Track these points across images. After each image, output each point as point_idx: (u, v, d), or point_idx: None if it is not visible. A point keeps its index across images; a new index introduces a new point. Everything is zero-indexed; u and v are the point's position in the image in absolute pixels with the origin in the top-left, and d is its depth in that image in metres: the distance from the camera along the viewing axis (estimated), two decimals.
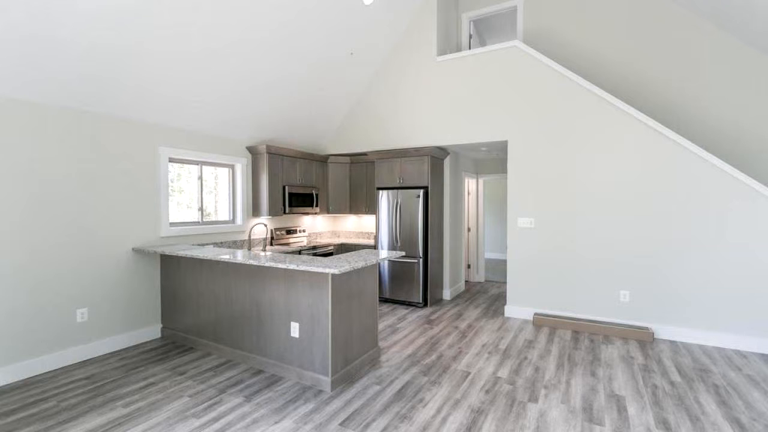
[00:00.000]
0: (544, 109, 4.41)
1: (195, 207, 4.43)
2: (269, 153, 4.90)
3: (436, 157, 5.20)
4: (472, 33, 5.84)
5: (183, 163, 4.28)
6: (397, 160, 5.24)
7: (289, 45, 4.13)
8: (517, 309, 4.61)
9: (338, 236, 6.51)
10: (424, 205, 5.01)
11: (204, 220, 4.51)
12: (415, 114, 5.22)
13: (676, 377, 3.03)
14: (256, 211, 4.99)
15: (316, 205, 5.67)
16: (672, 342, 3.80)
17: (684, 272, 3.80)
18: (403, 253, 3.46)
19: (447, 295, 5.53)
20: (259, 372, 3.11)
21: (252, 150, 4.93)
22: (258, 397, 2.70)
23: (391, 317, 4.63)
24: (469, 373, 3.10)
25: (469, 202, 6.71)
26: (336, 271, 2.52)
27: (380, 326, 4.29)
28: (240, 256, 3.17)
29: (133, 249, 3.71)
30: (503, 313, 4.78)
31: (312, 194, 5.59)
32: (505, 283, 6.64)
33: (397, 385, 2.89)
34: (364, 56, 5.09)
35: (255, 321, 3.21)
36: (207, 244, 4.43)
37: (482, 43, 6.73)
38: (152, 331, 3.88)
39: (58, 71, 2.96)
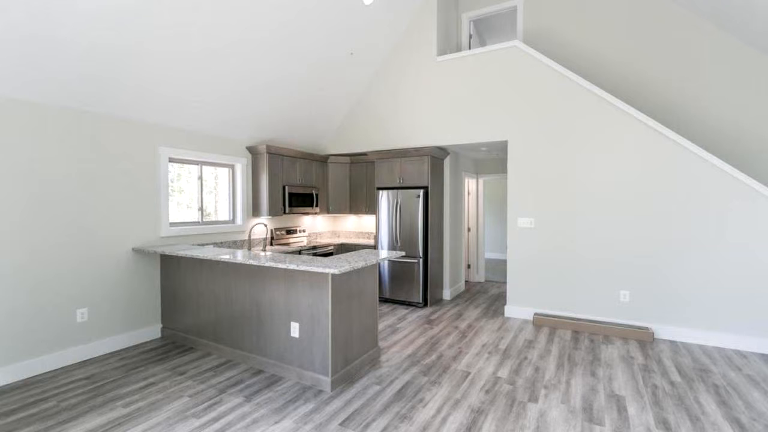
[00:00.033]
0: (544, 109, 4.41)
1: (195, 207, 4.43)
2: (269, 153, 4.90)
3: (436, 157, 5.20)
4: (472, 33, 5.84)
5: (183, 163, 4.28)
6: (397, 160, 5.24)
7: (289, 45, 4.13)
8: (517, 309, 4.61)
9: (338, 236, 6.51)
10: (424, 205, 5.01)
11: (204, 220, 4.51)
12: (415, 114, 5.22)
13: (676, 377, 3.03)
14: (256, 211, 4.99)
15: (316, 205, 5.67)
16: (672, 342, 3.80)
17: (684, 272, 3.80)
18: (403, 253, 3.46)
19: (447, 295, 5.53)
20: (259, 372, 3.11)
21: (252, 150, 4.93)
22: (258, 397, 2.70)
23: (391, 317, 4.63)
24: (469, 373, 3.10)
25: (469, 202, 6.71)
26: (336, 271, 2.52)
27: (380, 326, 4.29)
28: (240, 256, 3.17)
29: (133, 249, 3.71)
30: (503, 313, 4.78)
31: (312, 194, 5.59)
32: (505, 283, 6.64)
33: (397, 385, 2.89)
34: (364, 56, 5.09)
35: (255, 321, 3.21)
36: (207, 244, 4.43)
37: (482, 43, 6.73)
38: (152, 331, 3.88)
39: (58, 71, 2.96)
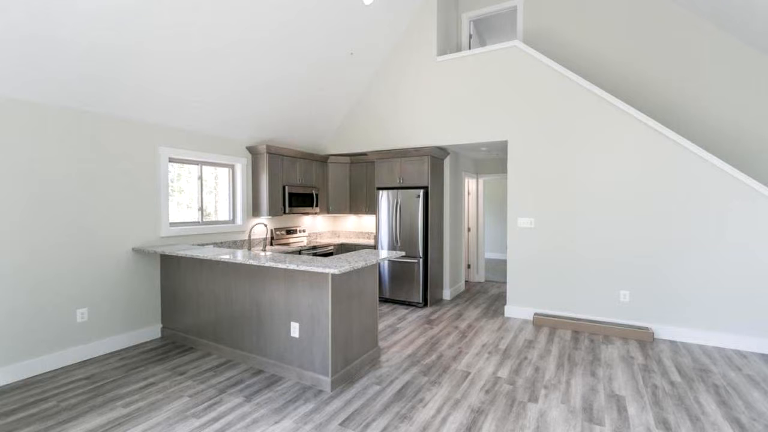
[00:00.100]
0: (544, 109, 4.41)
1: (195, 207, 4.43)
2: (269, 153, 4.90)
3: (436, 157, 5.20)
4: (472, 33, 5.84)
5: (183, 163, 4.28)
6: (397, 160, 5.24)
7: (289, 45, 4.13)
8: (517, 309, 4.61)
9: (338, 236, 6.51)
10: (424, 205, 5.01)
11: (204, 220, 4.51)
12: (415, 114, 5.22)
13: (676, 377, 3.03)
14: (256, 211, 4.99)
15: (316, 205, 5.67)
16: (672, 342, 3.80)
17: (684, 272, 3.80)
18: (403, 253, 3.46)
19: (447, 295, 5.53)
20: (259, 372, 3.11)
21: (252, 150, 4.93)
22: (258, 397, 2.70)
23: (391, 317, 4.63)
24: (469, 373, 3.10)
25: (469, 202, 6.71)
26: (336, 271, 2.52)
27: (380, 326, 4.29)
28: (240, 256, 3.17)
29: (133, 249, 3.71)
30: (503, 313, 4.78)
31: (312, 194, 5.59)
32: (505, 283, 6.64)
33: (397, 385, 2.89)
34: (364, 56, 5.09)
35: (255, 321, 3.21)
36: (207, 244, 4.43)
37: (482, 43, 6.73)
38: (152, 331, 3.88)
39: (58, 71, 2.96)
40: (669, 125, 4.62)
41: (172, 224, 4.14)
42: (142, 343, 3.76)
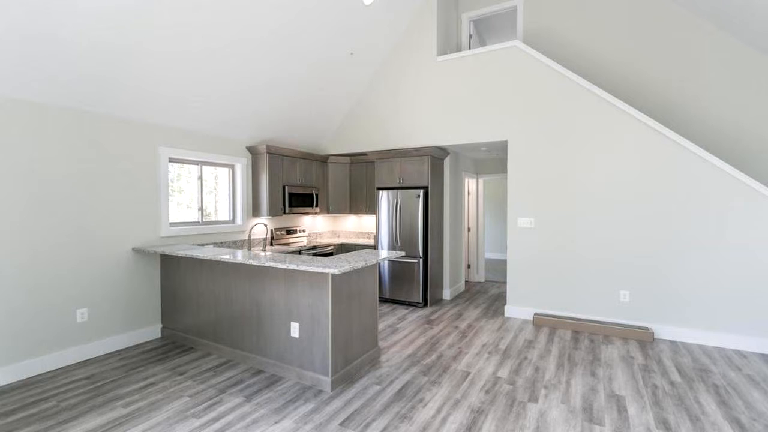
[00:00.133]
0: (544, 109, 4.41)
1: (195, 207, 4.43)
2: (269, 153, 4.90)
3: (436, 157, 5.20)
4: (472, 33, 5.84)
5: (183, 163, 4.28)
6: (397, 160, 5.24)
7: (289, 45, 4.13)
8: (517, 309, 4.61)
9: (338, 236, 6.51)
10: (424, 205, 5.01)
11: (204, 220, 4.51)
12: (415, 114, 5.22)
13: (676, 377, 3.03)
14: (256, 211, 4.99)
15: (316, 205, 5.67)
16: (672, 342, 3.80)
17: (684, 272, 3.80)
18: (403, 253, 3.46)
19: (447, 295, 5.53)
20: (259, 372, 3.11)
21: (252, 150, 4.93)
22: (258, 397, 2.70)
23: (391, 317, 4.63)
24: (469, 373, 3.10)
25: (469, 202, 6.71)
26: (336, 271, 2.52)
27: (380, 326, 4.29)
28: (240, 256, 3.17)
29: (133, 249, 3.71)
30: (503, 313, 4.78)
31: (312, 194, 5.59)
32: (505, 283, 6.64)
33: (397, 385, 2.89)
34: (364, 56, 5.09)
35: (255, 321, 3.21)
36: (207, 244, 4.43)
37: (482, 43, 6.73)
38: (152, 331, 3.88)
39: (58, 71, 2.96)
40: (669, 125, 4.62)
41: (172, 224, 4.14)
42: (142, 343, 3.76)
